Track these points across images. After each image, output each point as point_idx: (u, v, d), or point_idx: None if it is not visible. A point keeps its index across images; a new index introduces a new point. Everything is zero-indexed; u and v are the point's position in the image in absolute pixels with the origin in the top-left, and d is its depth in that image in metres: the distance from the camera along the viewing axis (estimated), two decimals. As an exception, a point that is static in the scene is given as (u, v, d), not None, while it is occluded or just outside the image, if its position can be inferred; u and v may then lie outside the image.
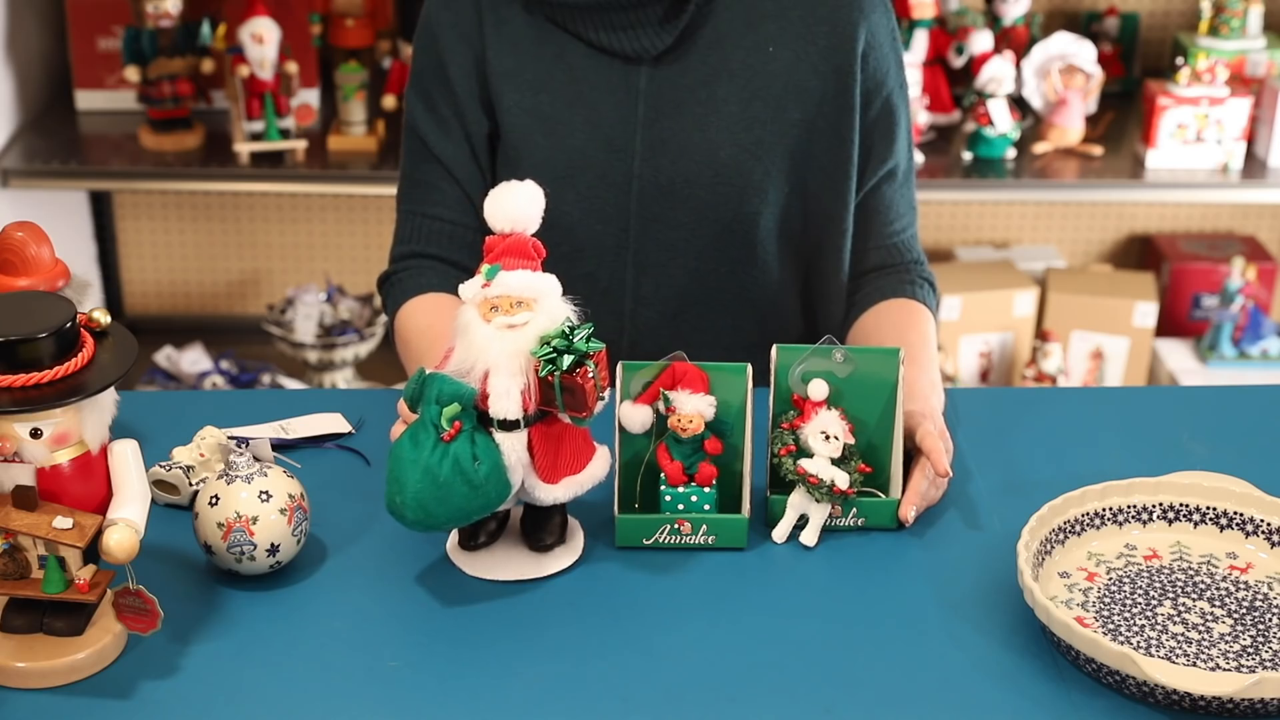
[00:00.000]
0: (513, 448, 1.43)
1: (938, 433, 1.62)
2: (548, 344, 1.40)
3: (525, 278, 1.42)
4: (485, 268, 1.43)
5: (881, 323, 1.87)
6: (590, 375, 1.40)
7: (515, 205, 1.44)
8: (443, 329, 1.78)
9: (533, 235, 1.45)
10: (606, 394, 1.45)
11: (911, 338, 1.80)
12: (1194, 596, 1.48)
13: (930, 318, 1.88)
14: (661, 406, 1.55)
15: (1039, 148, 3.15)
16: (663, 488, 1.56)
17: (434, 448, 1.40)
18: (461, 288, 1.45)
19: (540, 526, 1.53)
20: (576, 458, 1.48)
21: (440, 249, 1.89)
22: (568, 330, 1.41)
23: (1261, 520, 1.55)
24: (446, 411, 1.40)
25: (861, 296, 1.92)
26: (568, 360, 1.39)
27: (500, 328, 1.41)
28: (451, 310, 1.81)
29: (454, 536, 1.54)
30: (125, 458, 1.35)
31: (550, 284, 1.43)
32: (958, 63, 3.24)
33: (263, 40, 2.96)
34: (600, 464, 1.51)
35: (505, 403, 1.41)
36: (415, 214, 1.91)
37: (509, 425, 1.42)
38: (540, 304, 1.42)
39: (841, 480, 1.54)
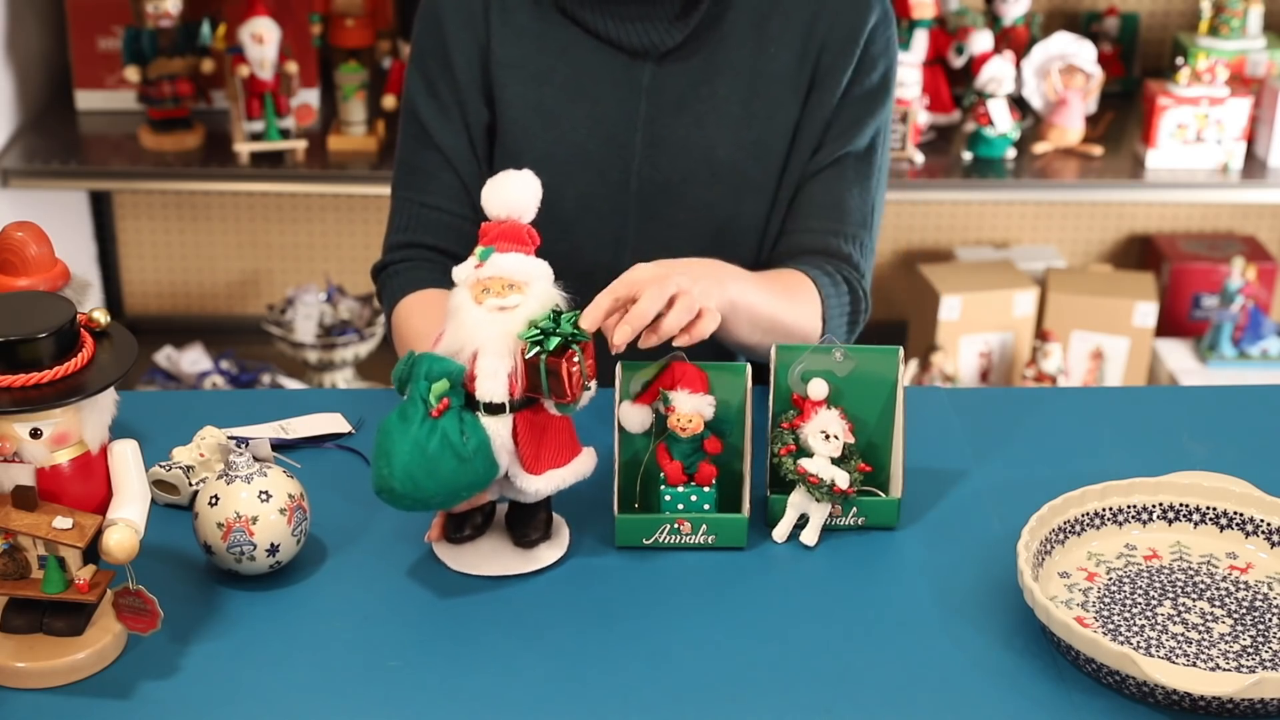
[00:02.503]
0: (498, 432, 1.43)
1: (654, 278, 1.51)
2: (535, 326, 1.41)
3: (518, 260, 1.43)
4: (479, 250, 1.44)
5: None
6: (575, 360, 1.41)
7: (512, 193, 1.45)
8: (438, 328, 1.78)
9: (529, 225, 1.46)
10: (594, 386, 1.45)
11: (776, 277, 1.74)
12: (1194, 596, 1.48)
13: (808, 286, 1.77)
14: (661, 406, 1.55)
15: (1039, 148, 3.15)
16: (662, 487, 1.56)
17: (422, 422, 1.40)
18: (455, 270, 1.45)
19: (525, 523, 1.53)
20: (561, 451, 1.48)
21: (437, 239, 1.88)
22: (555, 314, 1.41)
23: (1261, 520, 1.55)
24: (435, 388, 1.40)
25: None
26: (554, 342, 1.40)
27: (491, 310, 1.42)
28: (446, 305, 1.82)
29: (437, 530, 1.54)
30: (125, 458, 1.35)
31: (542, 269, 1.44)
32: (958, 63, 3.24)
33: (263, 40, 2.96)
34: (585, 461, 1.50)
35: (492, 384, 1.42)
36: (413, 201, 1.89)
37: (495, 409, 1.43)
38: (531, 288, 1.43)
39: (841, 479, 1.54)
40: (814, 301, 1.79)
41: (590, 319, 1.47)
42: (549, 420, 1.46)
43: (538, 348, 1.41)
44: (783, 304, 1.73)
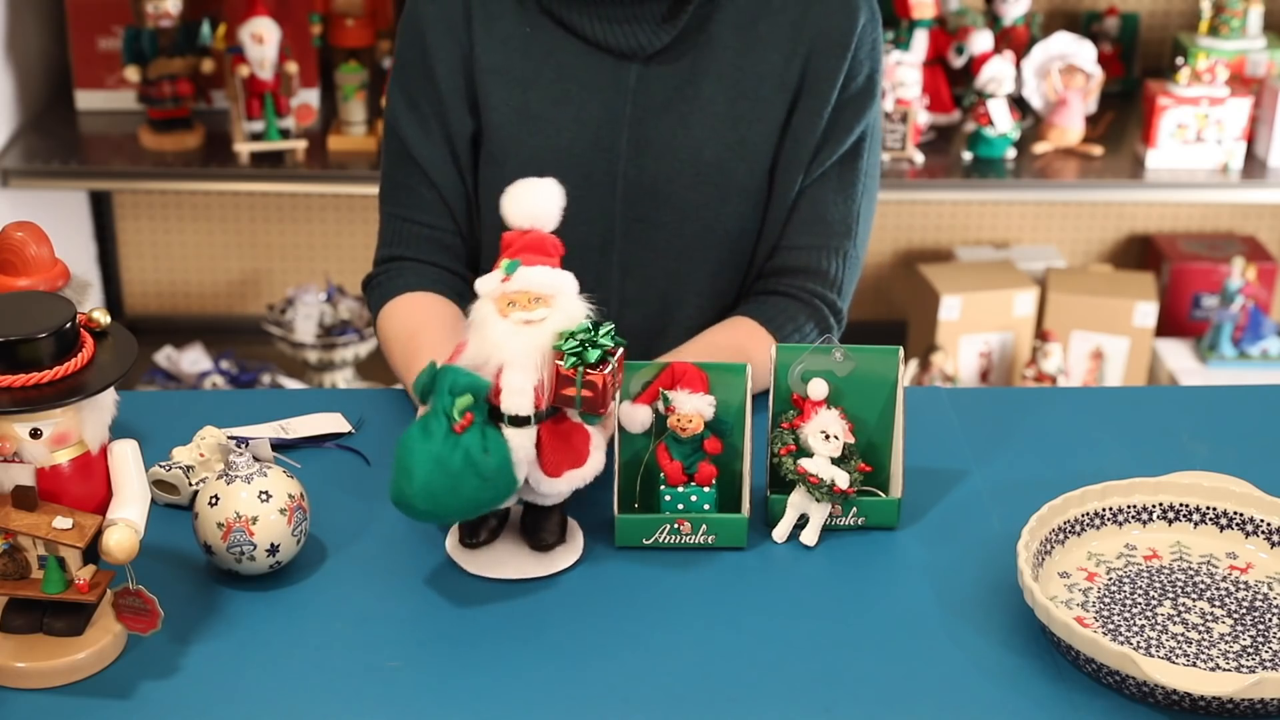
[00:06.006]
0: (521, 444, 1.43)
1: None
2: (573, 338, 1.40)
3: (545, 274, 1.42)
4: (505, 262, 1.43)
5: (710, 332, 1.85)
6: (609, 372, 1.41)
7: (535, 202, 1.44)
8: (419, 325, 1.80)
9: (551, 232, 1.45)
10: (618, 395, 1.45)
11: (711, 338, 1.81)
12: (1194, 596, 1.48)
13: (759, 335, 1.82)
14: (661, 406, 1.55)
15: (1039, 148, 3.15)
16: (662, 487, 1.56)
17: (445, 437, 1.39)
18: (478, 283, 1.45)
19: (541, 525, 1.53)
20: (579, 453, 1.48)
21: (418, 252, 1.89)
22: (594, 325, 1.41)
23: (1261, 520, 1.55)
24: (459, 402, 1.39)
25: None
26: (594, 354, 1.40)
27: (517, 323, 1.41)
28: (427, 306, 1.83)
29: (454, 535, 1.54)
30: (125, 458, 1.35)
31: (568, 282, 1.44)
32: (958, 63, 3.24)
33: (263, 40, 2.96)
34: (599, 455, 1.50)
35: (519, 399, 1.41)
36: (397, 217, 1.90)
37: (520, 421, 1.42)
38: (558, 301, 1.42)
39: (841, 479, 1.54)
40: (755, 352, 1.78)
41: None
42: (572, 428, 1.46)
43: (576, 359, 1.40)
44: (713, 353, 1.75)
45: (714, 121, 1.82)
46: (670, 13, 1.80)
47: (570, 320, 1.42)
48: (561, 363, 1.41)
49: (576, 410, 1.43)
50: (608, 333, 1.41)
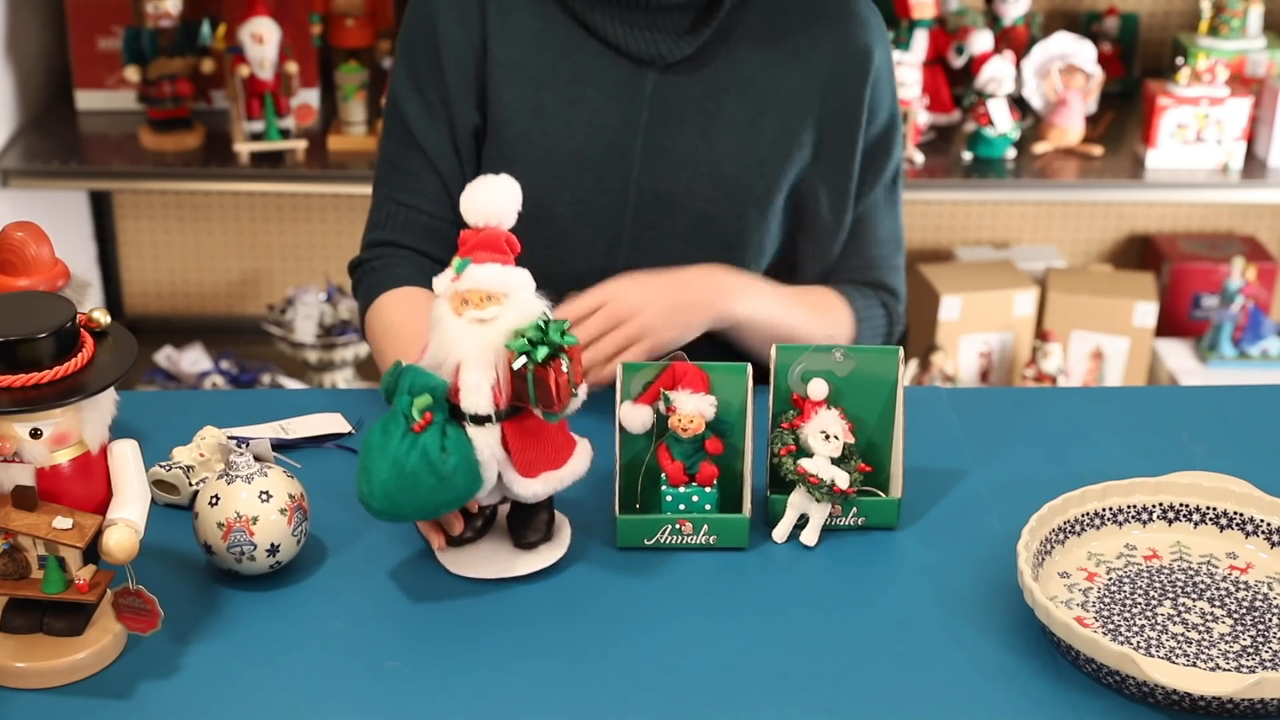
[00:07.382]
0: (485, 442, 1.42)
1: (607, 315, 1.71)
2: (522, 336, 1.40)
3: (495, 272, 1.42)
4: (456, 261, 1.43)
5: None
6: (563, 369, 1.40)
7: (490, 199, 1.43)
8: (412, 325, 1.78)
9: (511, 230, 1.44)
10: (582, 390, 1.44)
11: (803, 293, 1.86)
12: (1194, 596, 1.48)
13: (838, 302, 1.88)
14: (662, 406, 1.55)
15: (1039, 148, 3.15)
16: (663, 488, 1.56)
17: (403, 438, 1.40)
18: (435, 281, 1.45)
19: (525, 524, 1.52)
20: (557, 453, 1.48)
21: (414, 240, 1.87)
22: (543, 323, 1.41)
23: (1261, 520, 1.55)
24: (417, 402, 1.40)
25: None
26: (542, 352, 1.39)
27: (470, 321, 1.41)
28: (423, 304, 1.81)
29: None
30: (125, 458, 1.35)
31: (522, 279, 1.43)
32: (958, 63, 3.24)
33: (263, 40, 2.96)
34: (581, 459, 1.50)
35: (475, 397, 1.41)
36: (392, 200, 1.88)
37: (480, 419, 1.42)
38: (511, 298, 1.42)
39: (841, 480, 1.54)
40: (843, 319, 1.85)
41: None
42: (540, 425, 1.46)
43: (524, 357, 1.40)
44: (806, 319, 1.80)
45: (736, 137, 1.82)
46: (694, 24, 1.80)
47: (525, 318, 1.41)
48: (513, 362, 1.41)
49: (535, 407, 1.43)
50: (558, 329, 1.41)
